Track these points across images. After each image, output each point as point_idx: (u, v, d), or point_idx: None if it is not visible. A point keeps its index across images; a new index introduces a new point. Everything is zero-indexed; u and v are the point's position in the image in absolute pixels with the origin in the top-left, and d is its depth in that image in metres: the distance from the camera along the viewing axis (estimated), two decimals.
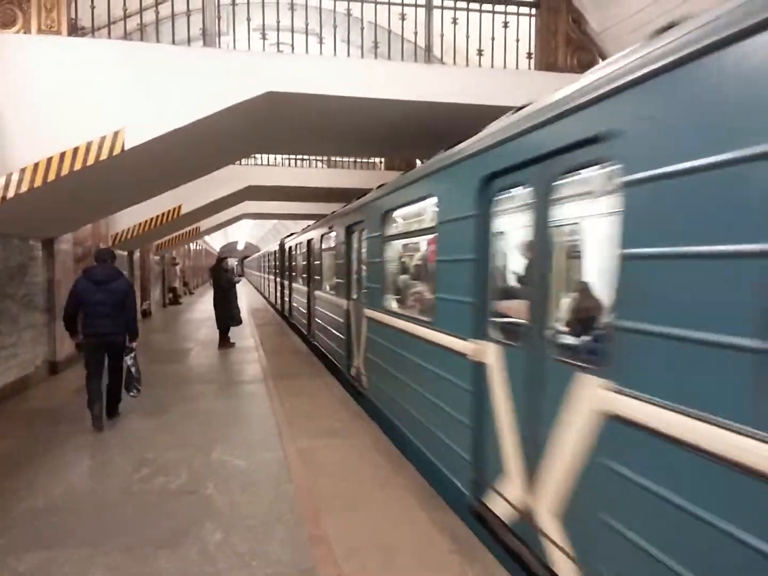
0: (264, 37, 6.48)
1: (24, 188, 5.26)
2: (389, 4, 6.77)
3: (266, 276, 30.15)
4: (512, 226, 3.71)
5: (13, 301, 7.42)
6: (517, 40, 7.10)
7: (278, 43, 6.61)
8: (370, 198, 6.88)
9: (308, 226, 14.11)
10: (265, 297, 30.74)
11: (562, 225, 3.27)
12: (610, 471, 2.35)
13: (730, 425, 1.76)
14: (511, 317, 3.49)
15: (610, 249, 2.37)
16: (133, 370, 6.24)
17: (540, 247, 3.07)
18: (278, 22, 6.42)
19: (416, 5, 6.91)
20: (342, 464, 4.92)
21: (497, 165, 3.44)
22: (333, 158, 15.48)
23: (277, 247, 21.71)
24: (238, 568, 3.28)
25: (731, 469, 1.74)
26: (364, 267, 7.23)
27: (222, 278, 11.80)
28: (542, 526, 2.98)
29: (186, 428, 6.02)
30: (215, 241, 49.21)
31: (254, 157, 14.50)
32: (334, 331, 9.32)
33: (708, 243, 1.87)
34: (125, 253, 14.07)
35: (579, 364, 2.69)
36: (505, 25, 7.02)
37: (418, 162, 11.46)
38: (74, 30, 5.74)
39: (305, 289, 13.15)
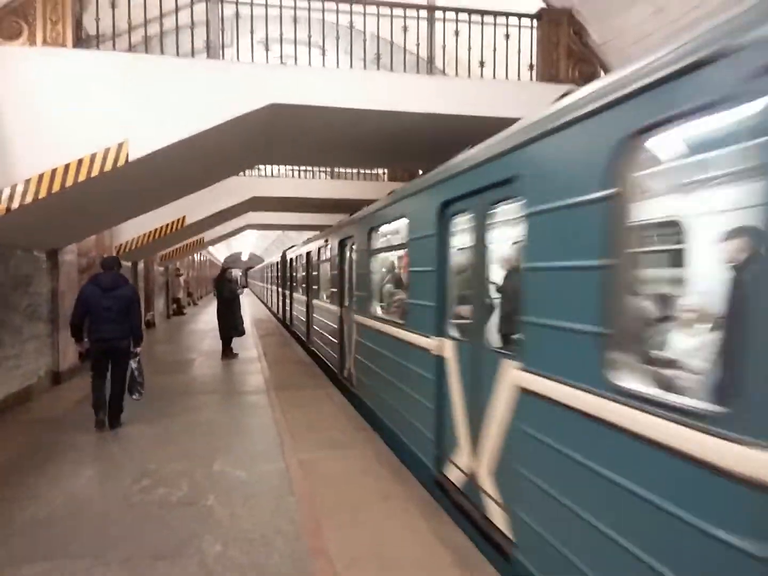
0: (267, 50, 6.54)
1: (28, 199, 5.29)
2: (392, 16, 6.84)
3: (269, 286, 30.88)
4: (462, 244, 4.35)
5: (17, 311, 7.44)
6: (519, 52, 7.15)
7: (281, 56, 6.66)
8: (358, 216, 7.72)
9: (308, 239, 14.61)
10: (267, 307, 30.88)
11: (493, 244, 4.01)
12: (521, 431, 3.08)
13: (588, 389, 2.43)
14: (462, 318, 4.20)
15: (522, 263, 3.14)
16: (136, 373, 6.39)
17: (478, 261, 3.89)
18: (281, 35, 6.48)
19: (418, 17, 6.98)
20: (344, 476, 4.89)
21: (450, 194, 4.22)
22: (336, 169, 15.55)
23: (279, 259, 22.30)
24: None
25: (591, 421, 2.42)
26: (353, 277, 7.90)
27: (225, 289, 11.83)
28: (482, 484, 3.72)
29: (188, 439, 5.99)
30: (219, 253, 49.37)
31: (258, 168, 14.58)
32: (329, 336, 9.98)
33: (571, 259, 2.60)
34: (129, 263, 14.12)
35: (504, 352, 3.49)
36: (507, 37, 7.07)
37: (420, 173, 11.51)
38: (79, 41, 5.81)
39: (304, 298, 13.70)
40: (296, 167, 15.31)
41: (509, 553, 3.22)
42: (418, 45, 6.95)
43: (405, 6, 6.90)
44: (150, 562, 3.44)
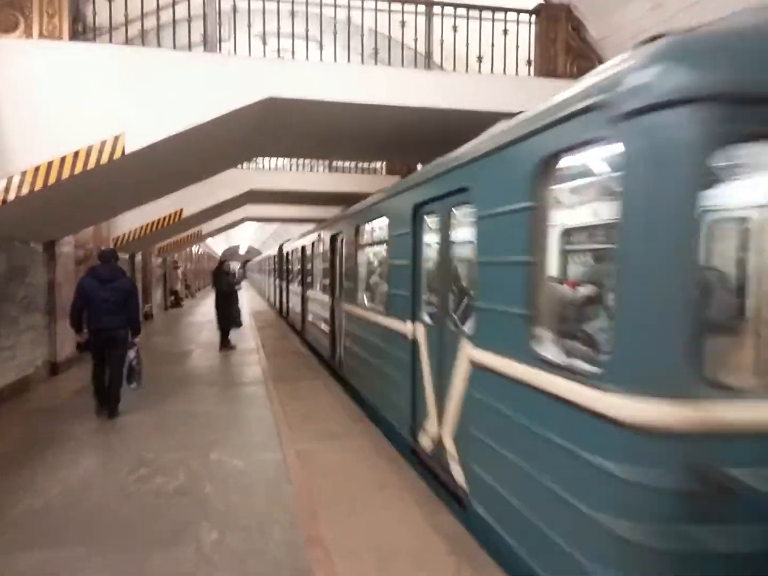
0: (265, 43, 6.54)
1: (25, 191, 5.30)
2: (389, 11, 6.83)
3: (266, 278, 31.07)
4: (431, 241, 4.95)
5: (14, 303, 7.47)
6: (517, 48, 7.15)
7: (279, 49, 6.66)
8: (347, 213, 8.45)
9: (303, 233, 14.82)
10: (265, 298, 30.91)
11: (454, 242, 4.54)
12: (473, 398, 3.70)
13: (518, 359, 3.03)
14: (432, 305, 4.79)
15: (474, 258, 3.76)
16: (135, 363, 6.49)
17: (444, 255, 4.50)
18: (279, 29, 6.48)
19: (416, 12, 6.97)
20: (341, 466, 4.94)
21: (421, 198, 4.85)
22: (334, 162, 15.54)
23: (276, 252, 22.38)
24: (234, 568, 3.30)
25: (520, 384, 3.01)
26: (343, 269, 8.46)
27: (223, 281, 11.88)
28: (446, 446, 4.25)
29: (186, 429, 6.04)
30: (217, 245, 49.26)
31: (256, 161, 14.56)
32: (321, 326, 10.54)
33: (505, 255, 3.23)
34: (126, 255, 14.12)
35: (462, 332, 4.04)
36: (505, 32, 7.08)
37: (419, 166, 11.52)
38: (77, 34, 5.80)
39: (300, 289, 13.97)
40: (294, 160, 15.29)
41: (466, 502, 3.79)
42: (416, 40, 6.95)
43: (403, 1, 6.90)
44: (147, 550, 3.50)
